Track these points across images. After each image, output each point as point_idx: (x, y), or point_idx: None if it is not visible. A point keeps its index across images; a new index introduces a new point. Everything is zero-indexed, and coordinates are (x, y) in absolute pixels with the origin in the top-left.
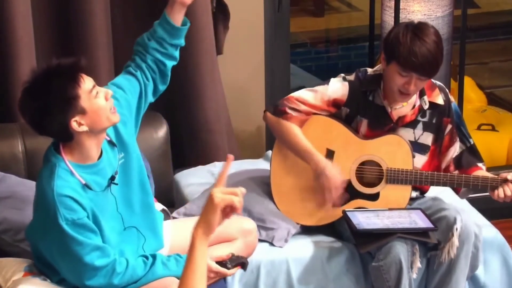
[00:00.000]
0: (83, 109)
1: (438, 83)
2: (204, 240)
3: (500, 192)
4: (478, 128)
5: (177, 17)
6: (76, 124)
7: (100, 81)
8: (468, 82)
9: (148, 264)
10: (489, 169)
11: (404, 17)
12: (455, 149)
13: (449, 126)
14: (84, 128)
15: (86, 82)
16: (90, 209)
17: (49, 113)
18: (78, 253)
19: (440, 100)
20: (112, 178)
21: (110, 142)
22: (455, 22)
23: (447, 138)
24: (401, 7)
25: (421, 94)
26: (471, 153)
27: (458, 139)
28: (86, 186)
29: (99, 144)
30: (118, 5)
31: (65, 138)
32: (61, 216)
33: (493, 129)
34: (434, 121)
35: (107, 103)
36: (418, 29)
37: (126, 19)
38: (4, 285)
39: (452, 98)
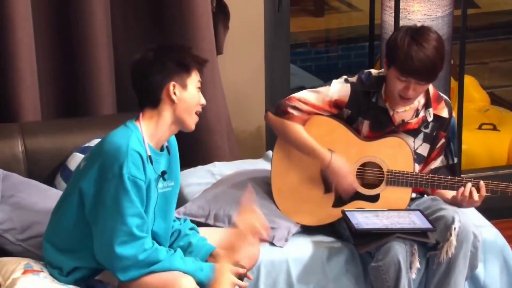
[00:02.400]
0: (185, 84)
1: (445, 97)
2: None
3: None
4: (479, 127)
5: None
6: (172, 89)
7: (100, 81)
8: (471, 81)
9: (170, 252)
10: (489, 169)
11: (404, 17)
12: (437, 163)
13: (442, 140)
14: (175, 98)
15: (198, 76)
16: (148, 180)
17: (163, 63)
18: (124, 210)
19: (445, 113)
20: (163, 173)
21: (167, 149)
22: (455, 22)
23: (436, 151)
24: (401, 7)
25: (427, 106)
26: (450, 171)
27: (443, 154)
28: (149, 159)
29: (169, 134)
30: (118, 5)
31: (152, 98)
32: (127, 167)
33: (495, 128)
34: (434, 133)
35: (199, 104)
36: (418, 33)
37: (126, 19)
38: (4, 283)
39: (453, 114)
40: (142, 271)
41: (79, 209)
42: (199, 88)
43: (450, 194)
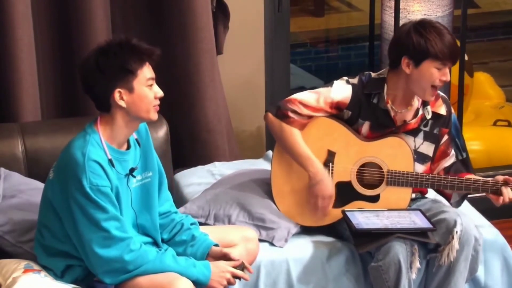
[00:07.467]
0: (132, 88)
1: (442, 94)
2: None
3: (505, 197)
4: (494, 124)
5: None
6: (118, 96)
7: None
8: (486, 78)
9: (160, 252)
10: (504, 167)
11: (404, 17)
12: (447, 162)
13: (445, 137)
14: (123, 103)
15: (148, 70)
16: (115, 185)
17: (104, 73)
18: (96, 218)
19: (442, 110)
20: (132, 170)
21: (137, 141)
22: (455, 22)
23: (442, 148)
24: (401, 7)
25: (425, 104)
26: (463, 165)
27: (452, 151)
28: (110, 162)
29: (129, 132)
30: (118, 5)
31: (102, 105)
32: (86, 180)
33: (509, 125)
34: (435, 131)
35: (154, 99)
36: (430, 23)
37: (126, 19)
38: (4, 283)
39: (453, 110)
40: (131, 274)
41: (57, 219)
42: (151, 83)
43: None
